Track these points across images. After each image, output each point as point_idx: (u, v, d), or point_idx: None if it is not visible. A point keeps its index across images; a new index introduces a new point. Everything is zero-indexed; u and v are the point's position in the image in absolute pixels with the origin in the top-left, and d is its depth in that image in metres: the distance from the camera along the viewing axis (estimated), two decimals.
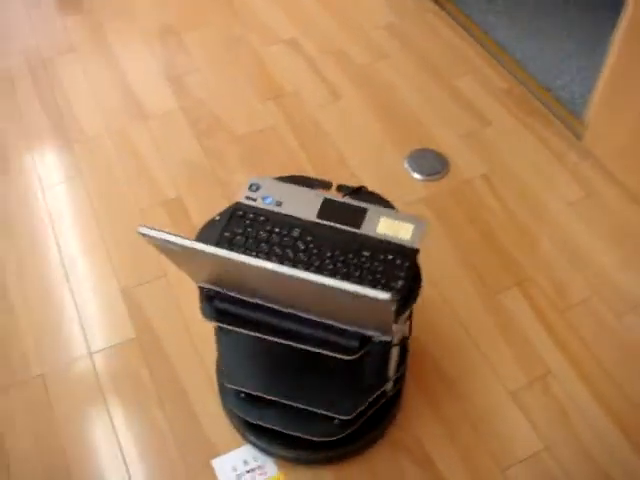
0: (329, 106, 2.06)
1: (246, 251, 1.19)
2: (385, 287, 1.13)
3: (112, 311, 1.64)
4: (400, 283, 1.14)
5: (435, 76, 2.13)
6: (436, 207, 1.82)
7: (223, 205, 1.30)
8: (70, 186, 1.89)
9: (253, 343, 1.34)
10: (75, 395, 1.52)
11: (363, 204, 1.25)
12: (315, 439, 1.32)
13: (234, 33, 2.31)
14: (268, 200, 1.26)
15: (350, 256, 1.16)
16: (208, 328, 1.45)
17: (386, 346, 1.21)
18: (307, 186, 1.29)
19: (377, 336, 1.12)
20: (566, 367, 1.53)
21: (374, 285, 1.13)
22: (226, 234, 1.22)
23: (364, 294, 0.90)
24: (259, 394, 1.32)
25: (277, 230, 1.21)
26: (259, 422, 1.35)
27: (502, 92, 2.09)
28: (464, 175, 1.89)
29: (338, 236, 1.20)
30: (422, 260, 1.54)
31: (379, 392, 1.32)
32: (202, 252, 0.96)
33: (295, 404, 1.29)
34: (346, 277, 1.14)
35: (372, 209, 1.24)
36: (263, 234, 1.20)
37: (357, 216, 1.23)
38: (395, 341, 1.22)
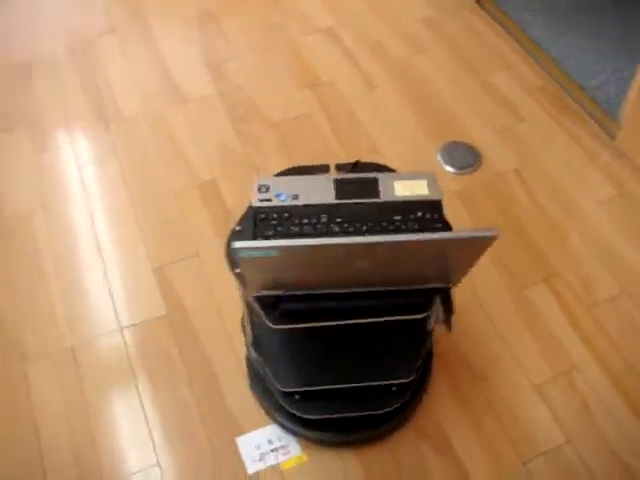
0: (364, 96, 2.08)
1: None
2: None
3: (144, 288, 1.67)
4: (440, 228, 1.19)
5: (470, 71, 2.14)
6: (467, 200, 1.83)
7: None
8: (105, 165, 1.93)
9: (297, 340, 1.34)
10: (104, 368, 1.55)
11: (371, 175, 1.27)
12: (379, 412, 1.36)
13: (273, 21, 2.33)
14: (283, 197, 1.24)
15: (384, 224, 1.18)
16: (238, 309, 1.47)
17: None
18: (308, 174, 1.29)
19: (440, 286, 1.16)
20: (591, 363, 1.54)
21: None
22: (261, 239, 1.19)
23: (472, 236, 0.97)
24: (317, 388, 1.33)
25: (306, 221, 1.21)
26: (320, 416, 1.36)
27: (537, 89, 2.09)
28: (496, 169, 1.89)
29: (364, 209, 1.22)
30: None
31: (427, 346, 1.35)
32: (303, 247, 0.97)
33: (353, 385, 1.32)
34: None
35: (381, 177, 1.26)
36: (295, 228, 1.20)
37: (371, 187, 1.24)
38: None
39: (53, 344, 1.58)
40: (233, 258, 1.18)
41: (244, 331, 1.45)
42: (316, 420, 1.37)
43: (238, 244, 0.96)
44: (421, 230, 1.18)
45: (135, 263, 1.72)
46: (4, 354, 1.57)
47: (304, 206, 1.22)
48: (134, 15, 2.36)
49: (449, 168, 1.88)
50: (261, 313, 1.16)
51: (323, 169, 1.31)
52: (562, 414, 1.47)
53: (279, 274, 1.08)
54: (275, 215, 1.21)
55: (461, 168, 1.88)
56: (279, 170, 1.34)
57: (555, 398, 1.49)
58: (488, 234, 0.98)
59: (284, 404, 1.37)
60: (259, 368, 1.41)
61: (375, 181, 1.25)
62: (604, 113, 1.99)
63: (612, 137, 1.94)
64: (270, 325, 1.16)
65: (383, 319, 1.16)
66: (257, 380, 1.45)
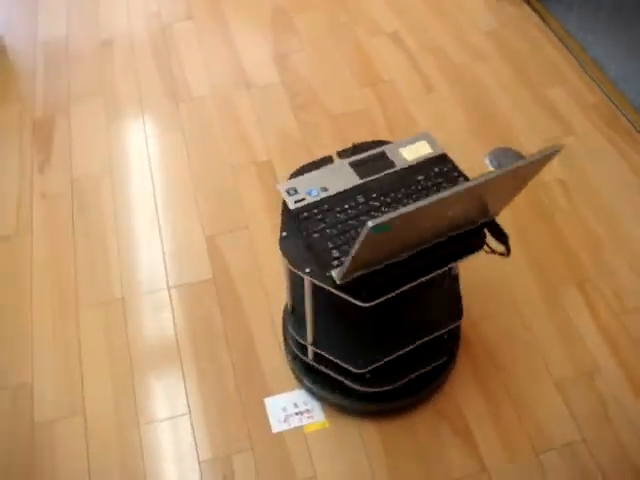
0: (421, 98, 2.16)
1: (344, 233, 1.23)
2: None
3: (194, 253, 1.78)
4: (462, 178, 1.32)
5: (527, 83, 2.20)
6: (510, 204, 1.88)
7: None
8: (171, 138, 2.05)
9: (361, 317, 1.38)
10: (149, 322, 1.66)
11: (378, 149, 1.35)
12: (435, 364, 1.46)
13: (340, 21, 2.43)
14: (314, 192, 1.28)
15: (413, 187, 1.28)
16: (279, 279, 1.56)
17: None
18: (318, 168, 1.34)
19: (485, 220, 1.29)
20: (615, 368, 1.58)
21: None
22: (316, 235, 1.23)
23: (543, 156, 1.12)
24: (386, 359, 1.39)
25: (346, 206, 1.26)
26: (393, 386, 1.43)
27: (590, 106, 2.14)
28: (541, 177, 1.94)
29: (389, 180, 1.31)
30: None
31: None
32: (428, 205, 1.03)
33: (413, 346, 1.40)
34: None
35: (387, 149, 1.36)
36: (342, 216, 1.25)
37: (384, 159, 1.34)
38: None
39: (105, 294, 1.70)
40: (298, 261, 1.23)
41: (286, 334, 1.55)
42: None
43: (371, 222, 0.97)
44: (443, 182, 1.29)
45: (189, 229, 1.83)
46: (60, 301, 1.70)
47: (337, 194, 1.28)
48: (211, 5, 2.50)
49: None
50: (347, 297, 1.18)
51: (329, 160, 1.37)
52: (580, 413, 1.51)
53: (383, 248, 1.14)
54: (316, 211, 1.26)
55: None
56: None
57: (575, 397, 1.54)
58: (554, 150, 1.11)
59: (355, 386, 1.42)
60: (319, 365, 1.45)
61: (384, 154, 1.34)
62: None
63: None
64: (363, 304, 1.17)
65: (449, 265, 1.26)
66: (293, 348, 1.54)
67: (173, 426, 1.50)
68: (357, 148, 1.38)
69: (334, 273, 1.16)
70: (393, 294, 1.19)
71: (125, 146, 2.04)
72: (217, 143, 2.04)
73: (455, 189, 1.04)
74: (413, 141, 1.37)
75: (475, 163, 1.98)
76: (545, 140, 2.03)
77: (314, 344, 1.40)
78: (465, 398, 1.54)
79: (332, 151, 1.35)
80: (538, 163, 1.14)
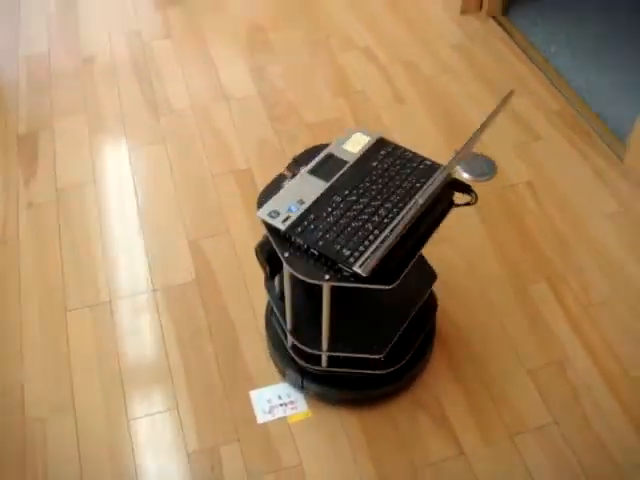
0: (393, 108, 2.25)
1: (342, 232, 1.28)
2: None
3: (178, 256, 1.84)
4: (408, 153, 1.44)
5: (494, 93, 2.30)
6: (480, 205, 1.96)
7: None
8: (153, 149, 2.12)
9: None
10: (136, 322, 1.71)
11: (323, 154, 1.42)
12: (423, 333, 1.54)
13: (315, 37, 2.53)
14: (293, 208, 1.30)
15: (374, 173, 1.39)
16: (260, 278, 1.62)
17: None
18: (279, 187, 1.37)
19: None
20: (583, 356, 1.66)
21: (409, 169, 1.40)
22: (320, 242, 1.25)
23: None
24: (394, 337, 1.46)
25: (330, 209, 1.30)
26: (403, 361, 1.50)
27: (554, 113, 2.24)
28: (510, 180, 2.04)
29: (351, 174, 1.38)
30: (459, 246, 1.85)
31: None
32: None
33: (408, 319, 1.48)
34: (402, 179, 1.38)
35: (331, 150, 1.42)
36: (331, 219, 1.28)
37: (334, 159, 1.41)
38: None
39: (92, 298, 1.75)
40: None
41: (268, 328, 1.61)
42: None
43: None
44: (398, 159, 1.42)
45: (172, 234, 1.89)
46: (48, 304, 1.74)
47: (315, 202, 1.32)
48: (189, 24, 2.58)
49: (466, 175, 2.03)
50: (374, 286, 1.23)
51: (282, 177, 1.40)
52: (551, 398, 1.58)
53: None
54: (306, 222, 1.28)
55: (477, 176, 2.03)
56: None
57: (546, 383, 1.61)
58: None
59: (377, 371, 1.48)
60: (336, 368, 1.50)
61: (332, 155, 1.41)
62: (615, 137, 2.14)
63: (620, 159, 2.08)
64: (388, 287, 1.22)
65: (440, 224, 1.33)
66: (274, 342, 1.60)
67: (161, 420, 1.55)
68: (299, 159, 1.43)
69: (358, 269, 1.20)
70: (406, 271, 1.25)
71: (108, 158, 2.10)
72: (198, 153, 2.11)
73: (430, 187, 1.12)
74: (348, 136, 1.45)
75: None
76: (513, 146, 2.13)
77: (330, 349, 1.46)
78: (442, 388, 1.60)
79: None
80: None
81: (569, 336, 1.69)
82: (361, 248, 1.24)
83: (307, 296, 1.47)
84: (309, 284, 1.25)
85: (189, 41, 2.51)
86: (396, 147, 1.44)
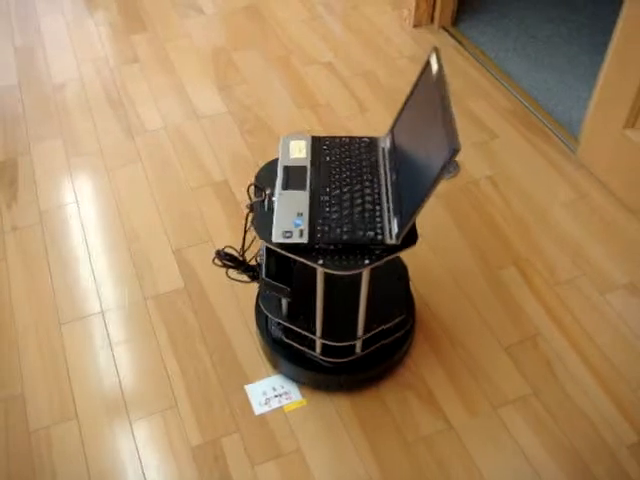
0: (357, 116, 2.38)
1: (355, 219, 1.37)
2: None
3: (164, 266, 1.92)
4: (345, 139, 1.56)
5: (452, 98, 2.43)
6: (446, 200, 2.10)
7: None
8: (130, 168, 2.20)
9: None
10: (130, 329, 1.78)
11: (278, 168, 1.48)
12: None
13: (277, 54, 2.65)
14: (298, 222, 1.36)
15: (337, 164, 1.50)
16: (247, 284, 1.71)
17: None
18: (269, 211, 1.41)
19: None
20: (554, 330, 1.78)
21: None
22: (345, 237, 1.33)
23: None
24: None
25: (328, 209, 1.38)
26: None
27: (509, 112, 2.39)
28: (472, 176, 2.17)
29: (321, 172, 1.47)
30: (432, 241, 1.96)
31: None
32: None
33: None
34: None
35: (282, 161, 1.49)
36: (336, 215, 1.37)
37: (294, 168, 1.47)
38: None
39: (85, 310, 1.81)
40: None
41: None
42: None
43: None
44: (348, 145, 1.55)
45: (157, 246, 1.97)
46: (42, 318, 1.80)
47: (311, 209, 1.39)
48: (155, 48, 2.68)
49: None
50: (406, 250, 1.34)
51: (263, 194, 1.46)
52: (528, 371, 1.70)
53: None
54: (319, 227, 1.35)
55: None
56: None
57: (522, 358, 1.72)
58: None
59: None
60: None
61: (288, 167, 1.47)
62: (567, 132, 2.29)
63: (573, 151, 2.23)
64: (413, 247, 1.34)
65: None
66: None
67: (162, 418, 1.61)
68: (259, 184, 1.48)
69: (393, 241, 1.32)
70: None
71: (88, 178, 2.17)
72: (175, 169, 2.19)
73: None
74: (287, 145, 1.53)
75: None
76: (474, 144, 2.27)
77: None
78: (426, 369, 1.70)
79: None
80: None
81: (539, 313, 1.81)
82: (378, 225, 1.35)
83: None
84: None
85: (156, 65, 2.60)
86: (330, 138, 1.55)
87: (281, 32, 2.77)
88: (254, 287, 1.74)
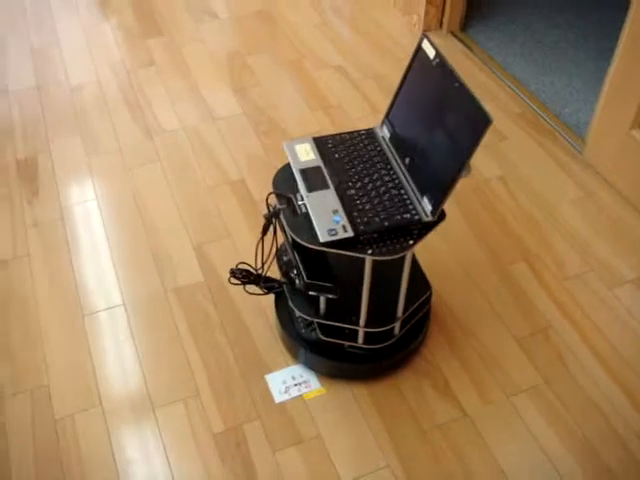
0: (368, 117, 2.43)
1: (386, 204, 1.44)
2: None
3: (185, 261, 1.97)
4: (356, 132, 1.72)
5: None
6: (459, 199, 2.15)
7: None
8: (149, 167, 2.25)
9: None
10: (152, 322, 1.82)
11: (295, 173, 1.51)
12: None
13: (289, 58, 2.71)
14: (338, 218, 1.41)
15: (355, 154, 1.57)
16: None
17: None
18: (299, 214, 1.46)
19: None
20: (564, 323, 1.83)
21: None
22: (386, 223, 1.40)
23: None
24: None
25: (358, 202, 1.45)
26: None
27: (517, 115, 2.45)
28: (483, 176, 2.23)
29: (336, 171, 1.52)
30: (445, 238, 2.02)
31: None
32: None
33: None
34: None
35: (295, 166, 1.53)
36: (367, 205, 1.43)
37: (311, 170, 1.51)
38: None
39: (107, 302, 1.86)
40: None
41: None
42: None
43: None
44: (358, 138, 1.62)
45: (177, 241, 2.02)
46: (65, 310, 1.85)
47: (343, 204, 1.44)
48: (171, 52, 2.74)
49: None
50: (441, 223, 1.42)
51: (285, 200, 1.50)
52: (540, 361, 1.75)
53: None
54: (359, 220, 1.41)
55: None
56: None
57: (533, 349, 1.77)
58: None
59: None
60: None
61: (305, 170, 1.51)
62: (574, 133, 2.35)
63: (580, 152, 2.29)
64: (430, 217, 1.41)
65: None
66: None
67: (185, 407, 1.65)
68: (279, 193, 1.51)
69: (429, 217, 1.40)
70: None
71: (107, 176, 2.22)
72: (193, 168, 2.24)
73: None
74: (292, 151, 1.57)
75: None
76: (483, 145, 2.31)
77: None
78: (441, 359, 1.75)
79: None
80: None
81: (550, 307, 1.86)
82: (410, 207, 1.43)
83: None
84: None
85: (172, 68, 2.66)
86: (331, 136, 1.61)
87: (293, 36, 2.84)
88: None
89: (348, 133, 1.62)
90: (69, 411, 1.65)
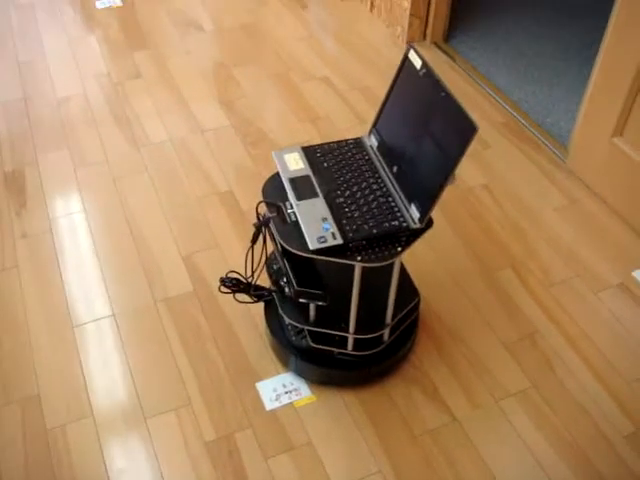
0: (355, 128, 2.46)
1: (374, 212, 1.46)
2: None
3: (174, 271, 1.97)
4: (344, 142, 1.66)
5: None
6: (444, 208, 2.18)
7: None
8: (137, 178, 2.26)
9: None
10: (142, 332, 1.83)
11: (284, 181, 1.53)
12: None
13: (276, 70, 2.73)
14: (327, 226, 1.42)
15: (344, 163, 1.59)
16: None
17: None
18: (287, 222, 1.47)
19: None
20: (550, 327, 1.85)
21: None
22: (375, 231, 1.42)
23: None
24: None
25: (347, 209, 1.47)
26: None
27: (500, 124, 2.49)
28: (468, 184, 2.26)
29: (325, 180, 1.54)
30: (432, 246, 2.03)
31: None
32: None
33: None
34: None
35: (284, 175, 1.55)
36: (356, 212, 1.45)
37: (300, 179, 1.54)
38: None
39: (97, 312, 1.87)
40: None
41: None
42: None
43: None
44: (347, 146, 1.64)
45: (166, 252, 2.02)
46: (54, 320, 1.85)
47: (332, 212, 1.45)
48: (157, 64, 2.75)
49: None
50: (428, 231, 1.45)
51: (275, 208, 1.52)
52: (527, 366, 1.77)
53: None
54: (347, 227, 1.43)
55: None
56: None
57: (521, 354, 1.80)
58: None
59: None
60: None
61: (294, 179, 1.54)
62: (557, 142, 2.39)
63: (563, 160, 2.32)
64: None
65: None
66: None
67: (176, 416, 1.66)
68: (268, 202, 1.53)
69: (417, 224, 1.43)
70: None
71: (95, 188, 2.23)
72: (180, 180, 2.26)
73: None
74: (281, 159, 1.59)
75: None
76: (467, 155, 2.33)
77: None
78: (429, 366, 1.77)
79: None
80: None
81: (536, 312, 1.89)
82: (398, 214, 1.45)
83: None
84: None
85: (159, 80, 2.67)
86: (319, 146, 1.63)
87: (279, 48, 2.86)
88: None
89: (336, 142, 1.64)
90: (60, 421, 1.65)
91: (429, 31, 2.82)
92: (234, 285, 1.69)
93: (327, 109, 2.55)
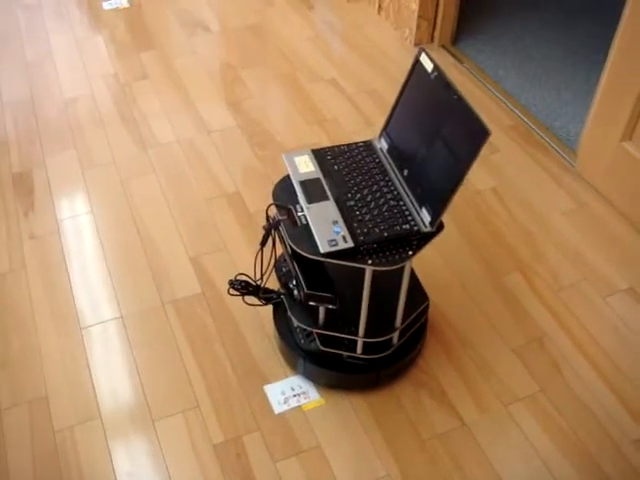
0: (363, 131, 2.46)
1: (386, 215, 1.46)
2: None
3: (182, 273, 1.97)
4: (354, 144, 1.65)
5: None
6: (452, 211, 2.17)
7: None
8: (144, 179, 2.26)
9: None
10: (150, 333, 1.83)
11: (295, 184, 1.53)
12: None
13: (283, 71, 2.73)
14: (338, 229, 1.42)
15: (354, 166, 1.59)
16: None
17: None
18: (296, 225, 1.47)
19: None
20: (558, 331, 1.85)
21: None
22: (386, 234, 1.41)
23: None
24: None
25: (358, 212, 1.46)
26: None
27: (509, 128, 2.48)
28: (476, 188, 2.25)
29: (336, 183, 1.53)
30: (439, 250, 2.02)
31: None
32: None
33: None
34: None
35: (295, 177, 1.54)
36: (367, 216, 1.44)
37: (310, 182, 1.53)
38: None
39: (105, 314, 1.87)
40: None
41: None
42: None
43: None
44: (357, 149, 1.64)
45: (173, 253, 2.02)
46: (62, 322, 1.85)
47: (343, 215, 1.45)
48: (164, 65, 2.75)
49: None
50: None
51: (285, 211, 1.51)
52: (535, 370, 1.77)
53: None
54: (358, 231, 1.42)
55: None
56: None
57: (529, 358, 1.79)
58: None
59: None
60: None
61: (304, 181, 1.53)
62: (565, 146, 2.39)
63: (572, 164, 2.32)
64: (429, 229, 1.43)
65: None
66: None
67: (184, 418, 1.66)
68: (279, 204, 1.52)
69: (428, 228, 1.42)
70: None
71: (103, 188, 2.23)
72: (188, 181, 2.26)
73: None
74: (291, 162, 1.59)
75: None
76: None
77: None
78: (438, 369, 1.77)
79: None
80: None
81: (544, 317, 1.89)
82: (409, 218, 1.44)
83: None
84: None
85: (166, 81, 2.67)
86: (329, 148, 1.63)
87: (286, 49, 2.86)
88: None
89: (346, 145, 1.64)
90: (68, 423, 1.65)
91: (437, 33, 2.82)
92: (243, 287, 1.69)
93: (334, 111, 2.55)
